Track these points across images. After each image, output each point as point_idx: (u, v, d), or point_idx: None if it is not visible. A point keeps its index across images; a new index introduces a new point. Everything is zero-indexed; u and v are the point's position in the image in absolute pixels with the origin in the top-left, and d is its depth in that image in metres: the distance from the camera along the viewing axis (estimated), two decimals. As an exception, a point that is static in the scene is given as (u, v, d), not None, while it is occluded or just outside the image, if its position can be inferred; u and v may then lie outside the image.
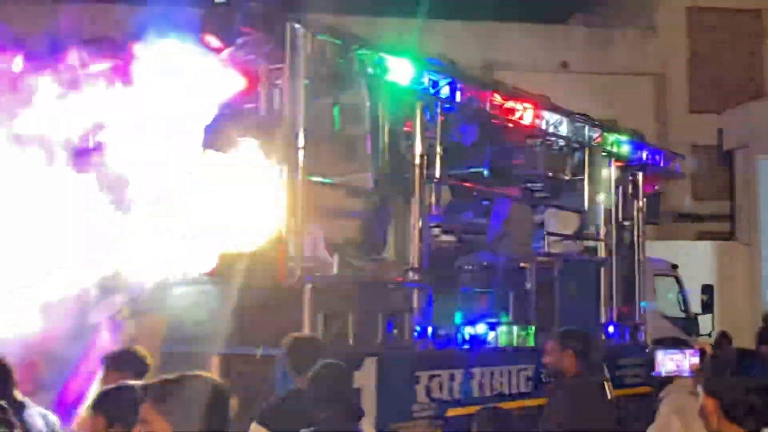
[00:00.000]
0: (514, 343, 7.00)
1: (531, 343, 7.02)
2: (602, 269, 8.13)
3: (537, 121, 7.39)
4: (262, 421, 3.98)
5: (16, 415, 3.30)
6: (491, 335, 6.87)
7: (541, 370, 6.40)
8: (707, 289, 10.93)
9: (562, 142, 7.90)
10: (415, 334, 6.05)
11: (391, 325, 5.97)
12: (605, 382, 7.23)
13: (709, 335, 10.87)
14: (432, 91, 6.28)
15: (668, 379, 4.46)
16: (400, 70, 6.00)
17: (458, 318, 6.73)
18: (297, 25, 5.36)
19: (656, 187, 9.57)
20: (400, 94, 6.13)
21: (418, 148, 6.24)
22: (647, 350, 8.26)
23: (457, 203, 8.68)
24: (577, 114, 8.03)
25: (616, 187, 8.47)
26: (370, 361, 5.46)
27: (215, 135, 5.27)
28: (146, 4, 5.34)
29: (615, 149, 8.36)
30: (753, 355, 2.43)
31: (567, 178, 8.13)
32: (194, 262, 5.24)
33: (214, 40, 5.26)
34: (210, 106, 5.33)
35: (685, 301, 10.80)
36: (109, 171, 4.78)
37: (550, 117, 7.57)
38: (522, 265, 7.36)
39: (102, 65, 4.94)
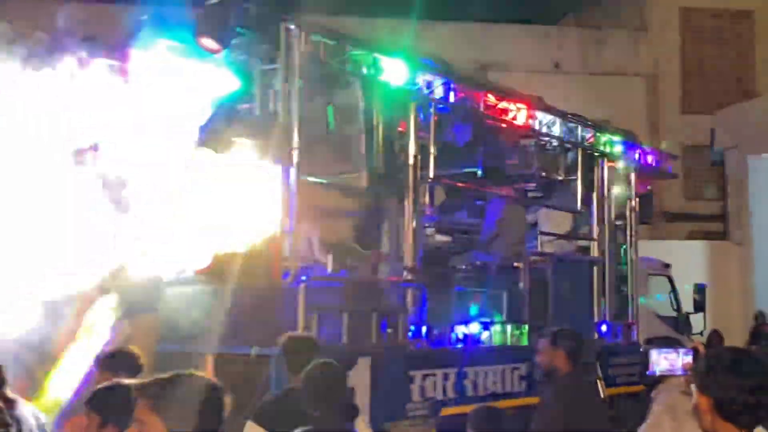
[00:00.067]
0: (508, 343, 7.03)
1: (524, 342, 7.05)
2: (595, 268, 8.16)
3: (530, 122, 7.42)
4: (258, 420, 3.99)
5: (8, 413, 3.31)
6: (485, 334, 6.90)
7: (534, 369, 6.42)
8: (699, 289, 10.99)
9: (555, 143, 7.93)
10: (409, 333, 6.06)
11: (385, 325, 5.99)
12: (598, 381, 7.30)
13: (701, 334, 10.93)
14: (426, 91, 6.30)
15: (661, 379, 4.47)
16: (394, 71, 6.01)
17: (452, 317, 6.75)
18: (291, 26, 5.37)
19: (649, 187, 9.61)
20: (394, 95, 6.15)
21: (412, 148, 6.26)
22: (641, 349, 8.30)
23: (451, 203, 8.71)
24: (570, 114, 8.06)
25: (609, 187, 8.50)
26: (364, 361, 5.47)
27: (210, 135, 5.28)
28: (141, 4, 5.34)
29: (608, 149, 8.40)
30: (746, 354, 2.45)
31: (560, 178, 8.17)
32: (189, 261, 5.25)
33: (208, 41, 5.26)
34: (205, 106, 5.34)
35: (677, 301, 10.84)
36: (105, 171, 4.79)
37: (543, 117, 7.61)
38: (515, 264, 7.39)
39: (100, 64, 4.94)
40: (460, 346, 6.60)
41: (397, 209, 6.30)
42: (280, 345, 4.41)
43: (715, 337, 12.39)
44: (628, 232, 8.92)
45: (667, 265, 10.91)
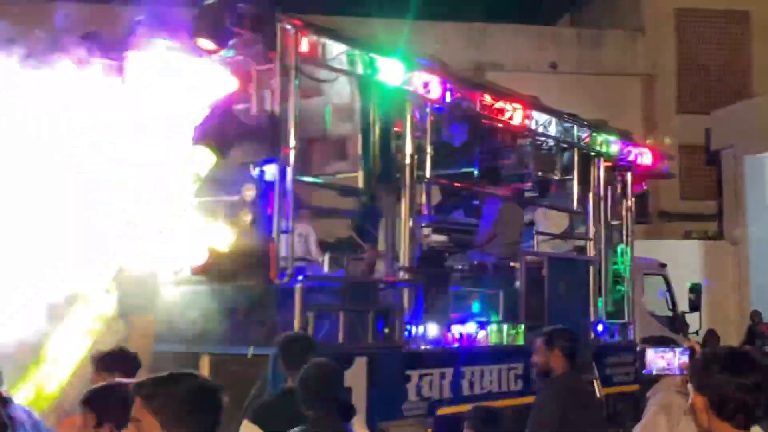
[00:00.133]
0: (504, 342, 7.04)
1: (521, 341, 7.06)
2: (591, 268, 8.17)
3: (527, 122, 7.43)
4: (254, 420, 3.99)
5: (4, 413, 3.31)
6: (481, 334, 6.91)
7: (531, 369, 6.43)
8: (695, 288, 11.01)
9: (551, 142, 7.94)
10: (406, 333, 6.07)
11: (381, 324, 5.99)
12: (594, 381, 7.32)
13: (697, 333, 10.95)
14: (422, 91, 6.30)
15: (656, 378, 4.48)
16: (391, 70, 6.02)
17: (448, 317, 6.76)
18: (287, 26, 5.37)
19: (645, 187, 9.62)
20: (390, 95, 6.15)
21: (409, 148, 6.26)
22: (638, 348, 8.30)
23: (448, 203, 8.72)
24: (567, 114, 8.07)
25: (605, 187, 8.52)
26: (360, 360, 5.47)
27: (207, 135, 5.28)
28: (138, 4, 5.34)
29: (604, 149, 8.41)
30: (742, 353, 2.46)
31: (556, 177, 8.18)
32: (187, 259, 5.25)
33: (205, 41, 5.26)
34: (201, 106, 5.34)
35: (673, 300, 10.86)
36: (101, 170, 4.78)
37: (539, 117, 7.61)
38: (512, 264, 7.40)
39: (98, 63, 4.94)
40: (456, 345, 6.61)
41: (393, 209, 6.31)
42: (276, 345, 4.42)
43: (712, 336, 12.43)
44: (624, 232, 8.94)
45: (663, 265, 10.93)
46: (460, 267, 7.63)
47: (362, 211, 6.62)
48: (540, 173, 8.03)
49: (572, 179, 8.08)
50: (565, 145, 8.04)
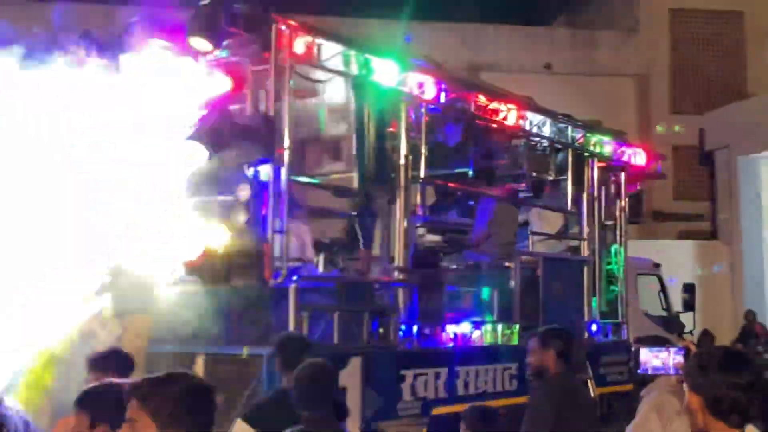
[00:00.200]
0: (499, 342, 7.05)
1: (515, 341, 7.08)
2: (585, 268, 8.19)
3: (521, 122, 7.45)
4: (248, 420, 4.00)
5: None
6: (476, 334, 6.92)
7: (525, 369, 6.45)
8: (688, 288, 11.04)
9: (545, 143, 7.96)
10: (401, 333, 6.08)
11: (376, 324, 6.00)
12: (588, 381, 7.34)
13: (691, 333, 10.98)
14: (417, 91, 6.31)
15: (651, 378, 4.49)
16: (385, 71, 6.03)
17: (443, 317, 6.77)
18: (282, 26, 5.37)
19: (638, 187, 9.65)
20: (385, 95, 6.16)
21: (403, 149, 6.28)
22: (632, 348, 8.31)
23: (442, 203, 8.73)
24: (561, 114, 8.09)
25: (599, 187, 8.54)
26: (355, 360, 5.48)
27: (201, 135, 5.28)
28: (134, 4, 5.34)
29: (598, 149, 8.44)
30: (736, 353, 2.48)
31: (551, 178, 8.20)
32: (181, 260, 5.24)
33: (200, 41, 5.26)
34: (196, 106, 5.34)
35: (667, 300, 10.89)
36: (97, 170, 4.78)
37: (533, 118, 7.63)
38: (506, 264, 7.42)
39: (95, 62, 4.94)
40: (451, 345, 6.62)
41: (388, 209, 6.32)
42: (273, 345, 4.42)
43: (706, 336, 12.47)
44: (618, 232, 8.97)
45: (657, 265, 10.96)
46: (454, 267, 7.64)
47: (357, 211, 6.62)
48: (534, 173, 8.05)
49: (566, 179, 8.10)
50: (560, 146, 8.06)
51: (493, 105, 7.12)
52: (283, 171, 5.37)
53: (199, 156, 5.21)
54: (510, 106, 7.25)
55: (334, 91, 6.19)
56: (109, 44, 5.25)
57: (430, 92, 6.40)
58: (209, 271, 5.42)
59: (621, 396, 7.97)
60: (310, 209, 6.61)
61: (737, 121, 16.83)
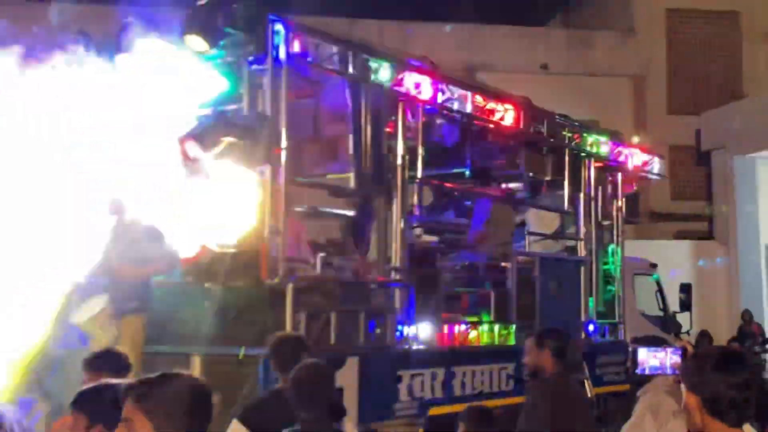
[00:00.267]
0: (495, 342, 7.06)
1: (512, 341, 7.08)
2: (582, 268, 8.20)
3: (518, 123, 7.45)
4: (243, 420, 3.99)
5: None
6: (472, 334, 6.92)
7: (522, 369, 6.45)
8: (685, 288, 11.05)
9: (542, 143, 7.96)
10: (397, 333, 6.08)
11: (373, 325, 6.00)
12: (585, 381, 7.34)
13: (688, 333, 11.00)
14: (414, 92, 6.31)
15: (647, 378, 4.50)
16: (382, 71, 6.03)
17: (440, 317, 6.77)
18: (279, 26, 5.37)
19: (635, 187, 9.66)
20: (382, 95, 6.16)
21: (400, 149, 6.28)
22: (630, 348, 8.32)
23: (439, 203, 8.73)
24: (557, 115, 8.10)
25: (596, 187, 8.55)
26: (352, 361, 5.48)
27: (198, 135, 5.27)
28: (132, 4, 5.33)
29: (594, 150, 8.45)
30: (733, 352, 2.49)
31: (547, 178, 8.21)
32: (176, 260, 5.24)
33: (196, 41, 5.26)
34: (193, 106, 5.34)
35: (664, 300, 10.90)
36: (92, 170, 4.78)
37: (530, 118, 7.63)
38: (503, 264, 7.42)
39: (92, 61, 4.94)
40: (447, 346, 6.62)
41: (385, 210, 6.31)
42: (269, 345, 4.41)
43: (704, 337, 12.46)
44: (614, 232, 8.98)
45: (654, 265, 10.97)
46: (451, 267, 7.64)
47: (354, 211, 6.62)
48: (531, 174, 8.06)
49: (563, 180, 8.11)
50: (556, 146, 8.07)
51: (490, 105, 7.12)
52: (280, 171, 5.37)
53: (194, 156, 5.20)
54: (507, 106, 7.26)
55: (331, 92, 6.18)
56: (104, 44, 5.25)
57: (426, 92, 6.40)
58: (206, 271, 5.42)
59: (617, 396, 7.98)
60: (307, 209, 6.61)
61: (734, 121, 16.85)
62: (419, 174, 6.55)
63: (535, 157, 8.01)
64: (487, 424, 4.39)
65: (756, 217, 17.22)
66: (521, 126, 7.44)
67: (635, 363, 4.20)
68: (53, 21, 4.91)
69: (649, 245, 14.39)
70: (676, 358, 4.16)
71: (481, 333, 7.01)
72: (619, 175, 9.00)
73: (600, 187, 8.67)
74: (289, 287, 5.29)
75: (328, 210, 6.85)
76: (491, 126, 7.29)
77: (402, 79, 6.20)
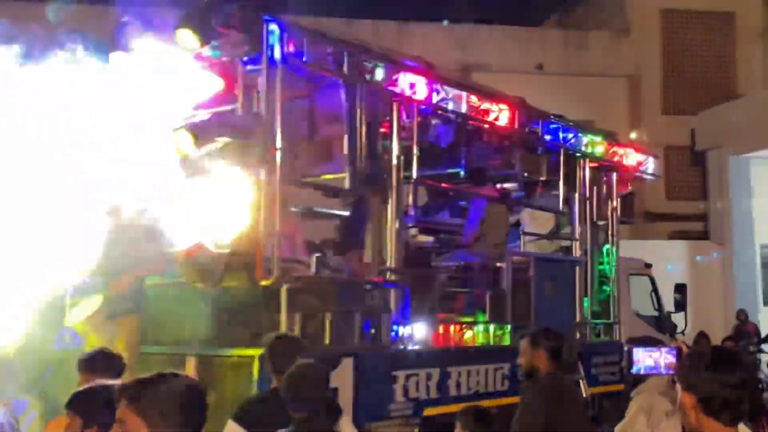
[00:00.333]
0: (491, 342, 7.06)
1: (507, 341, 7.09)
2: (577, 268, 8.21)
3: (513, 123, 7.46)
4: (239, 420, 3.98)
5: None
6: (468, 334, 6.92)
7: (517, 369, 6.46)
8: (680, 288, 11.07)
9: (537, 143, 7.97)
10: (392, 333, 6.08)
11: (368, 325, 6.00)
12: (580, 381, 7.35)
13: (683, 333, 11.01)
14: (409, 92, 6.31)
15: (643, 378, 4.51)
16: (378, 72, 6.03)
17: (435, 317, 6.77)
18: (274, 26, 5.37)
19: (630, 187, 9.67)
20: (377, 95, 6.16)
21: (395, 149, 6.28)
22: (625, 348, 8.33)
23: (434, 204, 8.73)
24: (553, 115, 8.11)
25: (591, 188, 8.56)
26: (347, 361, 5.48)
27: (193, 135, 5.26)
28: (127, 4, 5.32)
29: (589, 150, 8.46)
30: (728, 352, 2.50)
31: (542, 178, 8.21)
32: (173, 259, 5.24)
33: (187, 37, 5.25)
34: (187, 106, 5.33)
35: (659, 300, 10.92)
36: (91, 170, 4.77)
37: (525, 118, 7.64)
38: (498, 264, 7.43)
39: (89, 61, 4.93)
40: (443, 346, 6.62)
41: (380, 210, 6.31)
42: (265, 345, 4.41)
43: (702, 338, 12.47)
44: (610, 232, 8.99)
45: (649, 265, 10.99)
46: (446, 267, 7.64)
47: (349, 211, 6.62)
48: (526, 174, 8.06)
49: (558, 180, 8.12)
50: (551, 146, 8.08)
51: (485, 105, 7.13)
52: (276, 171, 5.36)
53: (189, 157, 5.19)
54: (502, 106, 7.26)
55: (326, 92, 6.18)
56: (102, 43, 5.24)
57: (421, 93, 6.40)
58: (201, 271, 5.41)
59: (613, 396, 7.99)
60: (302, 210, 6.60)
61: (729, 121, 16.90)
62: (414, 174, 6.55)
63: (529, 157, 8.02)
64: (484, 424, 4.39)
65: (751, 217, 17.27)
66: (516, 126, 7.44)
67: (630, 363, 4.20)
68: (51, 20, 4.90)
69: (644, 245, 14.41)
70: (671, 358, 4.17)
71: (476, 333, 7.01)
72: (614, 176, 9.01)
73: (595, 188, 8.68)
74: (284, 288, 5.28)
75: (323, 210, 6.85)
76: (486, 126, 7.30)
77: (397, 80, 6.20)
